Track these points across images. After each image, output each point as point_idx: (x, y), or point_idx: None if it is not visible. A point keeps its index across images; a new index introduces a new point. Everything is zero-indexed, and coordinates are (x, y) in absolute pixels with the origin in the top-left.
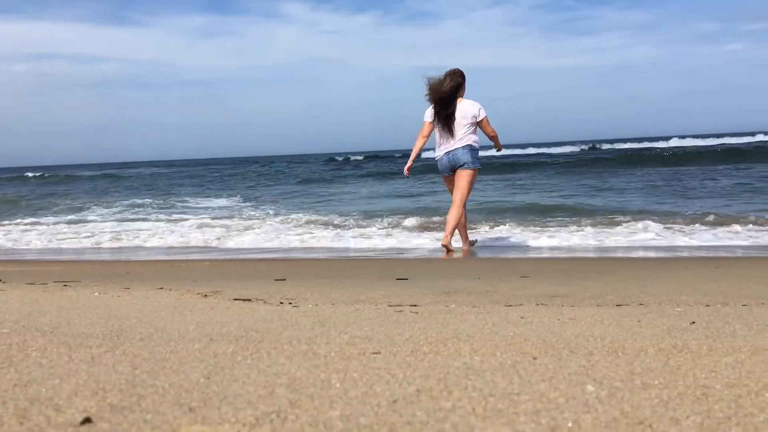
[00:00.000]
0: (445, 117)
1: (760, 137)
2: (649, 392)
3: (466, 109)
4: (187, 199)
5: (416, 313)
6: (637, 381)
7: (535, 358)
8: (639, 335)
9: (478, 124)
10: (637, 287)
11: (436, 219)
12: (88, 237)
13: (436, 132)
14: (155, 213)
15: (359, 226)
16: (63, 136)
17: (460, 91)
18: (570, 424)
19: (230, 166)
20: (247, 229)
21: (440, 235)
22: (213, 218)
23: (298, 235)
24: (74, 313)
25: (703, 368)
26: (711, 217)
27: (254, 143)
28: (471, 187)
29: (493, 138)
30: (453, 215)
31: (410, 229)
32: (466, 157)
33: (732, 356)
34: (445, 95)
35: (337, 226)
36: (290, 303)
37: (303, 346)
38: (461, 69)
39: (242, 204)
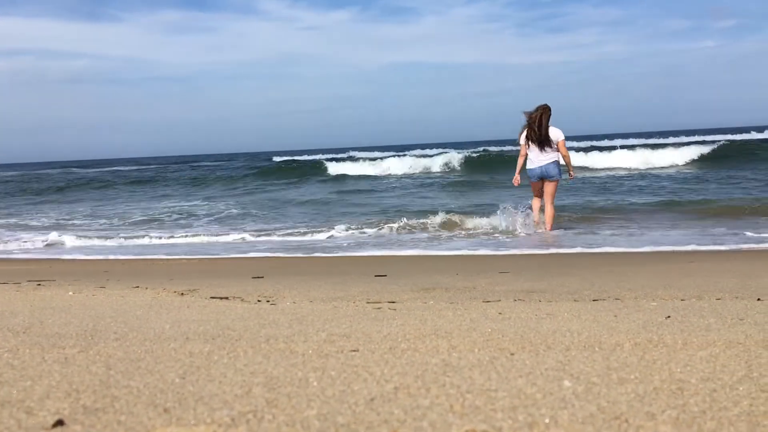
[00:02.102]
0: (539, 140)
1: (723, 136)
2: (626, 387)
3: (552, 134)
4: None
5: (394, 309)
6: (613, 376)
7: (512, 354)
8: (615, 330)
9: (557, 144)
10: (613, 282)
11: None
12: None
13: (531, 150)
14: None
15: None
16: (32, 133)
17: (548, 118)
18: (547, 420)
19: (183, 166)
20: None
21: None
22: None
23: None
24: (48, 313)
25: (678, 362)
26: None
27: (231, 140)
28: (556, 190)
29: (566, 158)
30: (548, 210)
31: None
32: (554, 171)
33: (707, 350)
34: (540, 124)
35: None
36: (268, 301)
37: (280, 345)
38: (548, 104)
39: None
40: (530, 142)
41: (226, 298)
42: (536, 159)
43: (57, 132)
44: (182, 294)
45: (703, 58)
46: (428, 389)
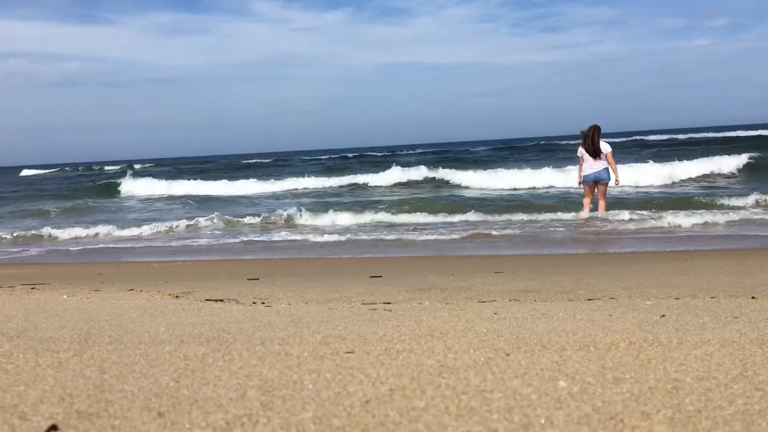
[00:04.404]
0: (592, 152)
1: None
2: (621, 387)
3: (603, 147)
4: None
5: (390, 310)
6: (608, 375)
7: (508, 355)
8: (610, 329)
9: (606, 156)
10: (608, 281)
11: None
12: None
13: (586, 160)
14: None
15: None
16: (26, 135)
17: (599, 135)
18: (542, 421)
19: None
20: None
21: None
22: None
23: None
24: (42, 317)
25: (673, 361)
26: None
27: (225, 141)
28: (606, 190)
29: (613, 167)
30: (602, 204)
31: None
32: (605, 176)
33: (701, 349)
34: (592, 138)
35: None
36: (263, 303)
37: (275, 347)
38: (599, 124)
39: None
40: (585, 153)
41: (221, 300)
42: (591, 167)
43: (51, 135)
44: (177, 297)
45: (696, 57)
46: (424, 391)
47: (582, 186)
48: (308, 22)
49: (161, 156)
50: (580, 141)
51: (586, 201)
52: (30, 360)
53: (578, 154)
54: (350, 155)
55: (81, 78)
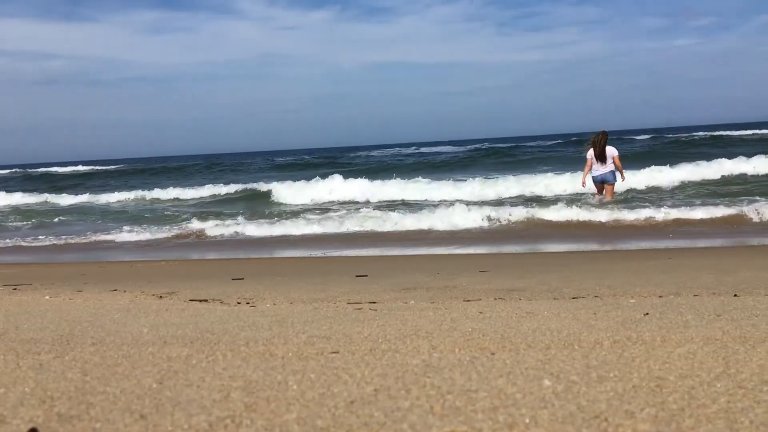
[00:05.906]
0: (600, 155)
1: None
2: (605, 385)
3: (610, 151)
4: None
5: (375, 310)
6: (592, 374)
7: (493, 354)
8: (594, 328)
9: (614, 158)
10: (592, 280)
11: None
12: None
13: (595, 163)
14: None
15: None
16: (7, 135)
17: (606, 140)
18: (527, 420)
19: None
20: None
21: None
22: None
23: None
24: (23, 318)
25: (657, 360)
26: None
27: (209, 140)
28: (613, 189)
29: (619, 167)
30: (609, 200)
31: None
32: (611, 178)
33: (685, 347)
34: (601, 143)
35: None
36: (248, 303)
37: (260, 347)
38: (606, 131)
39: None
40: (594, 157)
41: (206, 300)
42: (598, 169)
43: (33, 134)
44: (161, 297)
45: (678, 57)
46: (408, 391)
47: (585, 186)
48: (293, 20)
49: (150, 155)
50: (588, 144)
51: (598, 195)
52: (10, 362)
53: (587, 157)
54: (307, 156)
55: (64, 76)
